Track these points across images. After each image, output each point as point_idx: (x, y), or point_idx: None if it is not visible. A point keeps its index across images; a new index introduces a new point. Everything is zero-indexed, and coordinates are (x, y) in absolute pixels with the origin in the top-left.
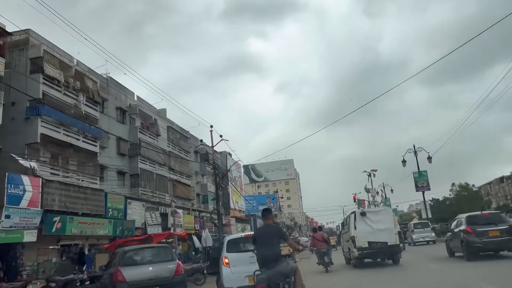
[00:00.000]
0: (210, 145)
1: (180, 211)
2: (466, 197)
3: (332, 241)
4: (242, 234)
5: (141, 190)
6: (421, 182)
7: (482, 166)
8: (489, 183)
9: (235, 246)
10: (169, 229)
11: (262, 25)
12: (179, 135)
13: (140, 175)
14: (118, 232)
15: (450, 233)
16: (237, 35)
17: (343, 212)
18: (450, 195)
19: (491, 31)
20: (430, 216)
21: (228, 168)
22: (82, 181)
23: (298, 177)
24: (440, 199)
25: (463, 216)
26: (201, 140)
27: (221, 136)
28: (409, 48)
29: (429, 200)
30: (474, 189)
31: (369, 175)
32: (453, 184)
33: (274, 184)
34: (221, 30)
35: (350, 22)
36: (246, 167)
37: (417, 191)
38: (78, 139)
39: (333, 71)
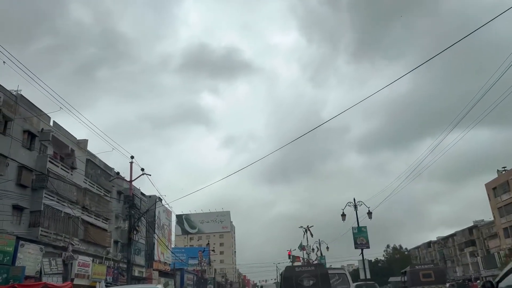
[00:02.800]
0: (129, 179)
1: (89, 259)
2: (397, 260)
3: None
4: None
5: (41, 231)
6: (360, 238)
7: (410, 231)
8: (418, 247)
9: None
10: (72, 279)
11: (215, 81)
12: (100, 171)
13: (43, 212)
14: (1, 281)
15: None
16: (190, 88)
17: (277, 269)
18: (384, 255)
19: (421, 108)
20: (369, 276)
21: (153, 212)
22: None
23: (234, 230)
24: (372, 260)
25: None
26: (118, 173)
27: (142, 169)
28: (349, 116)
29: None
30: (406, 252)
31: (305, 231)
32: (387, 246)
33: (208, 236)
34: (174, 82)
35: (297, 88)
36: (179, 217)
37: (356, 248)
38: None
39: (279, 130)
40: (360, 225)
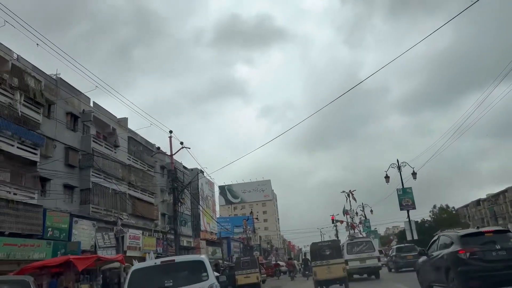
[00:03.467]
0: (170, 153)
1: (139, 232)
2: (445, 219)
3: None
4: (157, 261)
5: (92, 207)
6: (405, 199)
7: (458, 190)
8: (466, 206)
9: (145, 280)
10: (125, 252)
11: (249, 52)
12: (142, 147)
13: (92, 189)
14: (60, 256)
15: (425, 259)
16: (224, 61)
17: (321, 235)
18: (430, 216)
19: (464, 63)
20: (416, 237)
21: (196, 184)
22: (15, 194)
23: (276, 198)
24: (419, 221)
25: (458, 235)
26: (158, 148)
27: (181, 143)
28: (387, 77)
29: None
30: (453, 211)
31: (348, 196)
32: (434, 206)
33: (251, 205)
34: (208, 55)
35: (332, 52)
36: (222, 188)
37: (401, 209)
38: (11, 145)
39: (316, 97)
40: (405, 186)
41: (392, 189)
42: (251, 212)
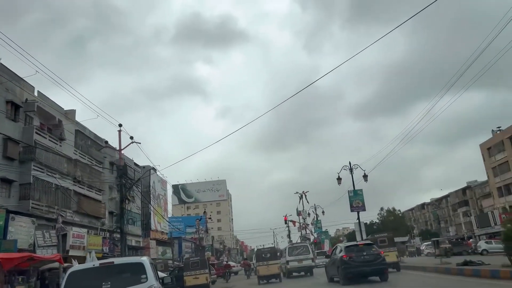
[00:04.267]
0: (118, 148)
1: (84, 230)
2: (392, 221)
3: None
4: (95, 263)
5: (32, 203)
6: (356, 201)
7: (404, 194)
8: (412, 209)
9: (82, 283)
10: (67, 251)
11: (210, 51)
12: (90, 142)
13: (33, 184)
14: None
15: (329, 260)
16: (184, 59)
17: (274, 235)
18: (378, 219)
19: (415, 73)
20: (365, 237)
21: (147, 182)
22: None
23: (230, 198)
24: (368, 223)
25: (342, 245)
26: (106, 142)
27: (131, 138)
28: (343, 84)
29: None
30: (400, 214)
31: (301, 197)
32: (381, 208)
33: (205, 205)
34: (168, 53)
35: (292, 55)
36: (176, 187)
37: (352, 211)
38: None
39: (275, 98)
40: (356, 188)
41: (344, 190)
42: (205, 211)
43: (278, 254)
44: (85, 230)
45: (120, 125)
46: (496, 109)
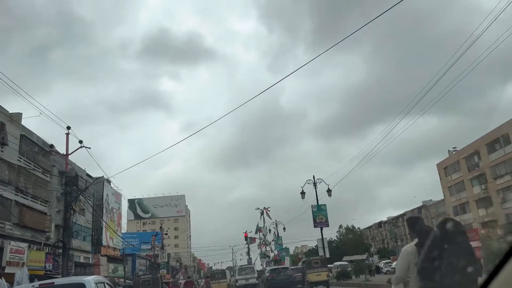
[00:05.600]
0: (65, 152)
1: (24, 245)
2: (351, 239)
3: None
4: (35, 284)
5: None
6: (319, 216)
7: (362, 212)
8: (369, 227)
9: None
10: (3, 268)
11: (176, 67)
12: (38, 149)
13: None
14: None
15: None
16: (149, 74)
17: (233, 253)
18: (337, 236)
19: (374, 97)
20: (328, 255)
21: (98, 194)
22: None
23: (189, 214)
24: (326, 239)
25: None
26: (51, 146)
27: (80, 142)
28: (305, 104)
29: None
30: (358, 232)
31: (262, 213)
32: (340, 226)
33: (162, 220)
34: (133, 67)
35: (256, 75)
36: (132, 201)
37: (315, 226)
38: None
39: (238, 116)
40: (319, 203)
41: (307, 206)
42: (161, 227)
43: (234, 272)
44: (25, 245)
45: (69, 127)
46: (450, 132)
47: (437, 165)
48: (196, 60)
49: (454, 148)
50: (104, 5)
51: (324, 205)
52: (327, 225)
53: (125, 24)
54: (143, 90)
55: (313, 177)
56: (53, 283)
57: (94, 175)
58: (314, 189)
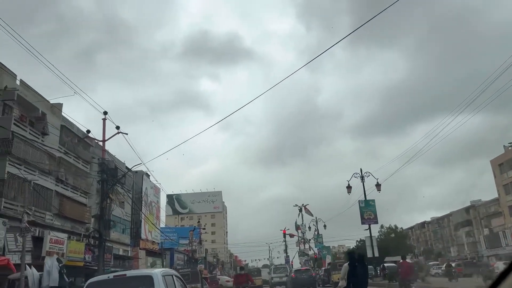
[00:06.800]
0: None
1: (64, 235)
2: (392, 239)
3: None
4: (110, 275)
5: (5, 202)
6: (368, 213)
7: (402, 213)
8: (411, 228)
9: None
10: (43, 257)
11: (215, 68)
12: (78, 140)
13: (7, 181)
14: None
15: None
16: (189, 75)
17: (269, 250)
18: (379, 235)
19: (415, 94)
20: (376, 254)
21: (137, 187)
22: None
23: (226, 210)
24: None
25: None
26: (88, 131)
27: (118, 127)
28: (342, 103)
29: (357, 240)
30: (401, 231)
31: (300, 210)
32: (382, 226)
33: (199, 216)
34: (174, 68)
35: (293, 74)
36: (170, 197)
37: (362, 223)
38: None
39: (275, 115)
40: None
41: (347, 204)
42: (199, 221)
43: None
44: (65, 235)
45: (105, 113)
46: (500, 129)
47: (491, 161)
48: (235, 61)
49: (511, 143)
50: (146, 9)
51: (373, 201)
52: (376, 222)
53: (166, 27)
54: (183, 90)
55: (361, 170)
56: (125, 275)
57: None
58: (362, 183)
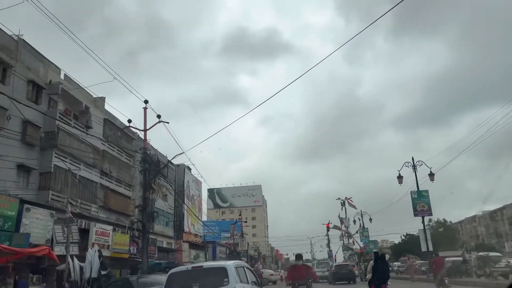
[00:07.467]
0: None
1: (109, 227)
2: (441, 233)
3: None
4: (188, 266)
5: (52, 195)
6: (421, 204)
7: (448, 207)
8: (461, 222)
9: (178, 283)
10: (88, 250)
11: (254, 63)
12: (121, 133)
13: (54, 174)
14: None
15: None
16: (228, 71)
17: (311, 244)
18: (428, 229)
19: (460, 84)
20: (431, 247)
21: (179, 181)
22: None
23: (266, 204)
24: (415, 234)
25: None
26: (129, 121)
27: (159, 116)
28: (384, 95)
29: (403, 235)
30: (451, 225)
31: (343, 203)
32: (430, 220)
33: (240, 210)
34: (213, 65)
35: (332, 67)
36: (211, 191)
37: (415, 215)
38: None
39: (315, 109)
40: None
41: (402, 191)
42: (240, 214)
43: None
44: (110, 227)
45: (146, 101)
46: None
47: None
48: (273, 56)
49: None
50: (186, 9)
51: (426, 191)
52: (430, 214)
53: (205, 26)
54: (222, 87)
55: (412, 159)
56: (202, 266)
57: (175, 161)
58: (414, 172)
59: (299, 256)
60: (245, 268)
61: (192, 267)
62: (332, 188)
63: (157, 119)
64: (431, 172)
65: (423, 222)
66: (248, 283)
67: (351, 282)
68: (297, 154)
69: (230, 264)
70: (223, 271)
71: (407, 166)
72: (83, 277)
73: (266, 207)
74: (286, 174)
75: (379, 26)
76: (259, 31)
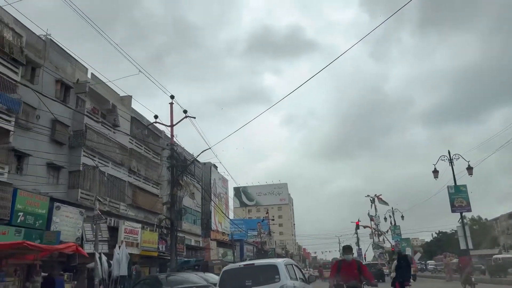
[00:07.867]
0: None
1: (138, 225)
2: (476, 231)
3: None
4: (241, 264)
5: (81, 193)
6: (458, 200)
7: (482, 204)
8: (496, 219)
9: (231, 280)
10: (118, 247)
11: (278, 62)
12: (148, 132)
13: (83, 172)
14: None
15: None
16: (253, 70)
17: (339, 242)
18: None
19: (491, 78)
20: (470, 245)
21: (206, 179)
22: None
23: (292, 202)
24: (448, 231)
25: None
26: (156, 116)
27: (185, 111)
28: (412, 90)
29: (435, 232)
30: (486, 222)
31: (373, 200)
32: (464, 216)
33: (266, 208)
34: (238, 65)
35: (357, 63)
36: (237, 189)
37: (453, 211)
38: None
39: (339, 107)
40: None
41: (439, 186)
42: (267, 213)
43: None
44: (139, 225)
45: (172, 97)
46: None
47: None
48: (297, 54)
49: None
50: (210, 10)
51: (464, 186)
52: (469, 210)
53: (229, 26)
54: (247, 86)
55: (449, 152)
56: (253, 264)
57: (201, 159)
58: (451, 166)
59: (347, 249)
60: (293, 265)
61: (244, 265)
62: (359, 185)
63: (184, 119)
64: (469, 165)
65: (461, 218)
66: (297, 279)
67: (380, 280)
68: (322, 152)
69: (280, 261)
70: (274, 268)
71: (443, 160)
72: (112, 275)
73: (292, 205)
74: (311, 172)
75: (405, 21)
76: (283, 29)
